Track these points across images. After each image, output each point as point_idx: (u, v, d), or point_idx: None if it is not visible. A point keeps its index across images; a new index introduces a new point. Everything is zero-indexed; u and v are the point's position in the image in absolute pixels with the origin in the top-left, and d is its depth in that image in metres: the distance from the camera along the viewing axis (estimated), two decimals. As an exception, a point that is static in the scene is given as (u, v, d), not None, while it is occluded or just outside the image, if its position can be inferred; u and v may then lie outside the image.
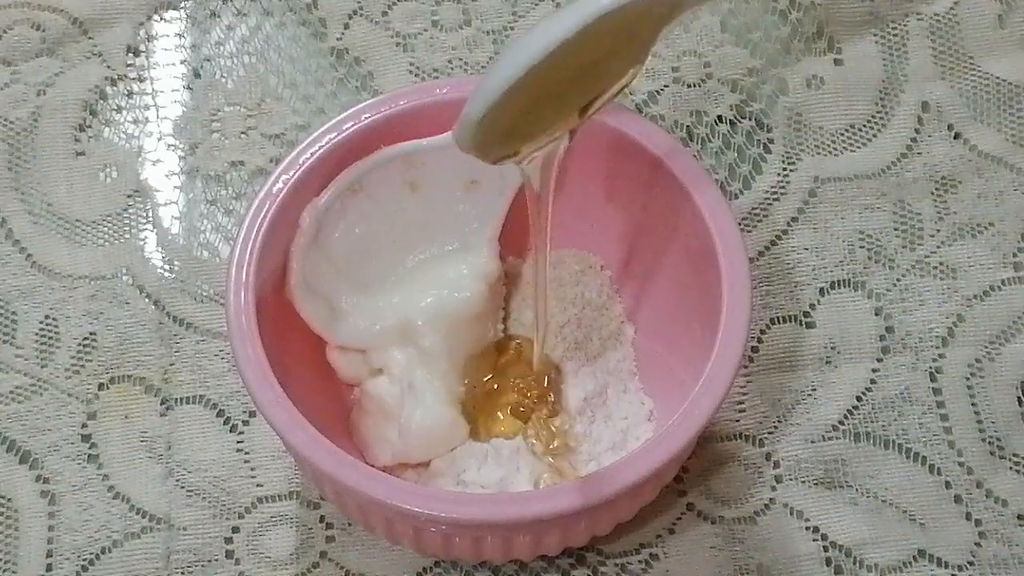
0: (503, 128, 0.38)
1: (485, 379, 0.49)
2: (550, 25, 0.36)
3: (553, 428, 0.47)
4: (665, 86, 0.55)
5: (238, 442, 0.50)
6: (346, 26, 0.57)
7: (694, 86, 0.55)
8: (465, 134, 0.38)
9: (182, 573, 0.48)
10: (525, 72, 0.36)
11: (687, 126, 0.55)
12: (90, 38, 0.56)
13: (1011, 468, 0.49)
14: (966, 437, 0.50)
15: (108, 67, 0.56)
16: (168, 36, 0.57)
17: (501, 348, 0.50)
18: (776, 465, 0.49)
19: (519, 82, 0.36)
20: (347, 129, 0.47)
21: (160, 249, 0.53)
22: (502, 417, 0.48)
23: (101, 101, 0.55)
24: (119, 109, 0.55)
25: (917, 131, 0.54)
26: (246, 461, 0.49)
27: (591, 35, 0.36)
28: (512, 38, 0.56)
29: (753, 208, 0.53)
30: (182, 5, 0.57)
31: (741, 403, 0.50)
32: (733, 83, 0.55)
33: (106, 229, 0.53)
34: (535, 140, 0.40)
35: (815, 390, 0.50)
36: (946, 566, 0.48)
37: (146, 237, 0.53)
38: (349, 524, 0.48)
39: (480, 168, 0.47)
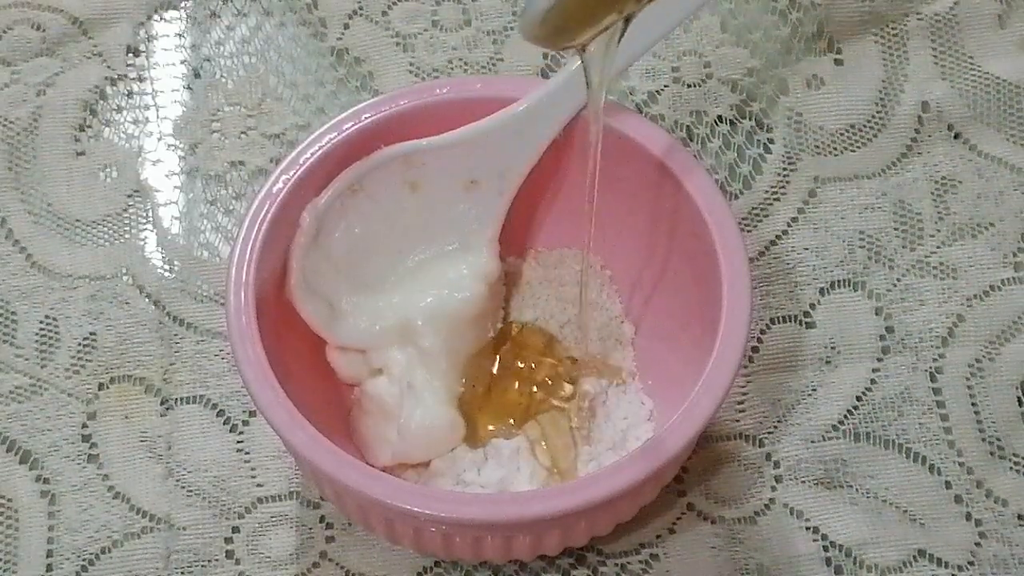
0: (564, 20, 0.39)
1: (489, 369, 0.49)
2: None
3: (573, 413, 0.47)
4: (665, 86, 0.55)
5: (238, 442, 0.50)
6: (346, 26, 0.56)
7: (694, 86, 0.55)
8: (529, 29, 0.38)
9: (182, 573, 0.48)
10: None
11: (687, 126, 0.55)
12: (90, 38, 0.56)
13: (1011, 468, 0.49)
14: (966, 437, 0.50)
15: (108, 67, 0.56)
16: (168, 36, 0.56)
17: (502, 336, 0.49)
18: (776, 465, 0.49)
19: None
20: (347, 129, 0.47)
21: (160, 249, 0.53)
22: (509, 406, 0.48)
23: (101, 101, 0.55)
24: (119, 109, 0.55)
25: (917, 131, 0.54)
26: (246, 461, 0.49)
27: None
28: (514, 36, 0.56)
29: (753, 208, 0.53)
30: (182, 5, 0.57)
31: (741, 403, 0.50)
32: (733, 83, 0.55)
33: (106, 229, 0.53)
34: (595, 27, 0.40)
35: (815, 390, 0.50)
36: (946, 566, 0.48)
37: (146, 237, 0.53)
38: (349, 524, 0.48)
39: (480, 168, 0.48)
